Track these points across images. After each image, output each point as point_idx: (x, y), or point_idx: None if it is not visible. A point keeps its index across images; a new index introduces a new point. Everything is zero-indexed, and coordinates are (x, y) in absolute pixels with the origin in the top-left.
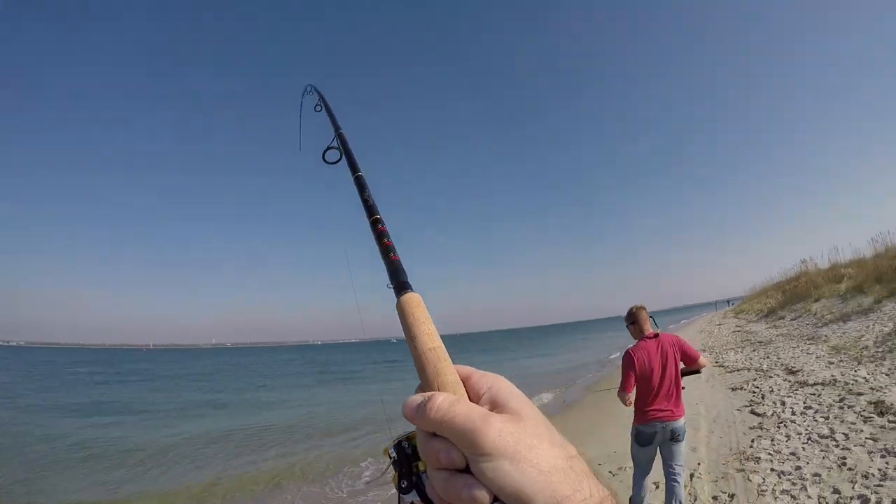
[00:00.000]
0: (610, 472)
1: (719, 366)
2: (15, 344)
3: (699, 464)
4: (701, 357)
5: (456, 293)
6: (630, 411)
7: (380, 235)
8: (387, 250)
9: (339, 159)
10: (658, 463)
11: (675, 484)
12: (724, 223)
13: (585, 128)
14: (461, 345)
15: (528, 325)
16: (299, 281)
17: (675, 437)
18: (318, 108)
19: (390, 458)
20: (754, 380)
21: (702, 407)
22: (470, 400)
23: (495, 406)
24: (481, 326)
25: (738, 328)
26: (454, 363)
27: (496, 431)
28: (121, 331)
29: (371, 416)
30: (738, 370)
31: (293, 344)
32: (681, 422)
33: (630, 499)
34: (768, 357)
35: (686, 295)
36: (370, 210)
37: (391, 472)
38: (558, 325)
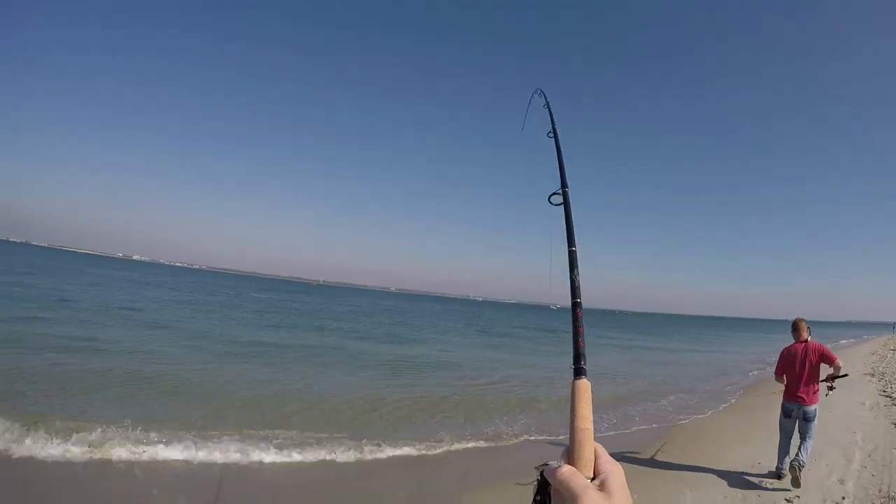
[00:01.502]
0: (748, 478)
1: (886, 396)
2: (197, 267)
3: (843, 498)
4: (837, 360)
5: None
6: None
7: (575, 319)
8: (577, 335)
9: (560, 204)
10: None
11: (806, 442)
12: None
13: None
14: (616, 321)
15: (703, 315)
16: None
17: (806, 418)
18: (550, 135)
19: (536, 477)
20: None
21: (859, 436)
22: (595, 472)
23: (602, 486)
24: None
25: None
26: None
27: (589, 500)
28: (291, 264)
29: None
30: None
31: (454, 296)
32: (812, 407)
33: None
34: None
35: (862, 310)
36: (574, 291)
37: (534, 482)
38: (735, 318)
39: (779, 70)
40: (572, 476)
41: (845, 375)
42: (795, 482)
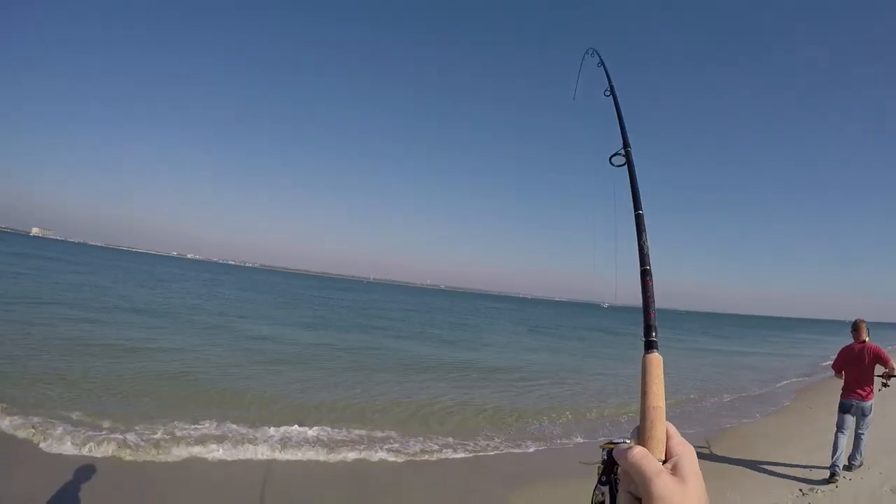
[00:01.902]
0: (800, 489)
1: None
2: (251, 265)
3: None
4: (891, 361)
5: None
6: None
7: (645, 288)
8: (647, 307)
9: (623, 164)
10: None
11: (861, 437)
12: None
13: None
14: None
15: (759, 314)
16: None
17: (863, 413)
18: (607, 93)
19: (602, 456)
20: None
21: None
22: (666, 455)
23: (675, 470)
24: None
25: None
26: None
27: (662, 484)
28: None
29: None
30: None
31: (497, 293)
32: (868, 403)
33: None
34: None
35: None
36: (643, 258)
37: (599, 463)
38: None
39: None
40: (644, 458)
41: (893, 375)
42: (837, 475)
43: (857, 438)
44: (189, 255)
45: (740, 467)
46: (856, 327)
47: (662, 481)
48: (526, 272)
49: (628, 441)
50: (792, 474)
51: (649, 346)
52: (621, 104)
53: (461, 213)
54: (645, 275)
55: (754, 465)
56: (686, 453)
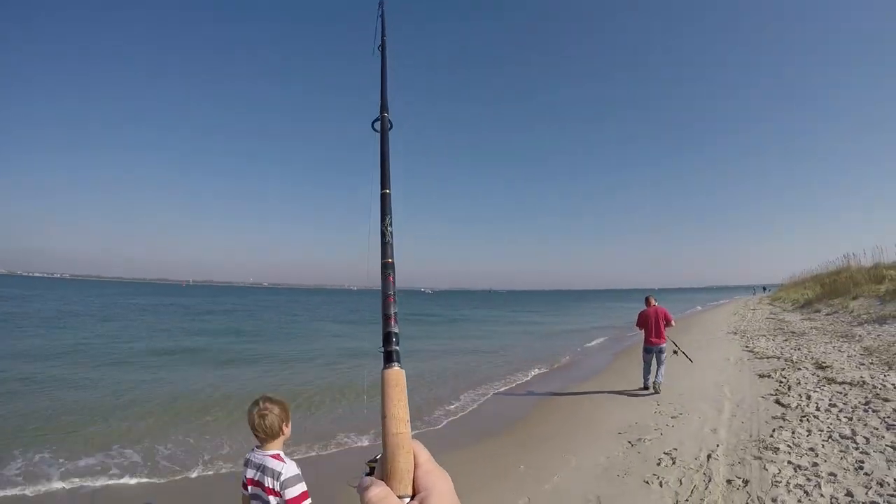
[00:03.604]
0: (629, 441)
1: (749, 350)
2: (60, 276)
3: (718, 446)
4: (672, 319)
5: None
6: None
7: (385, 285)
8: (387, 315)
9: (380, 133)
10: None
11: (661, 366)
12: (779, 205)
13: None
14: (471, 300)
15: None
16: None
17: (660, 351)
18: (379, 48)
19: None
20: (783, 370)
21: (727, 389)
22: (413, 488)
23: None
24: (487, 285)
25: (772, 315)
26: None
27: None
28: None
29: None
30: (767, 358)
31: (313, 287)
32: (663, 345)
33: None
34: (799, 349)
35: (726, 276)
36: (385, 248)
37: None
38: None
39: None
40: (383, 500)
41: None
42: (656, 389)
43: (659, 366)
44: None
45: (568, 432)
46: (647, 301)
47: None
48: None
49: (371, 474)
50: (618, 429)
51: (388, 357)
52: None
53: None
54: (386, 269)
55: (581, 427)
56: (436, 486)
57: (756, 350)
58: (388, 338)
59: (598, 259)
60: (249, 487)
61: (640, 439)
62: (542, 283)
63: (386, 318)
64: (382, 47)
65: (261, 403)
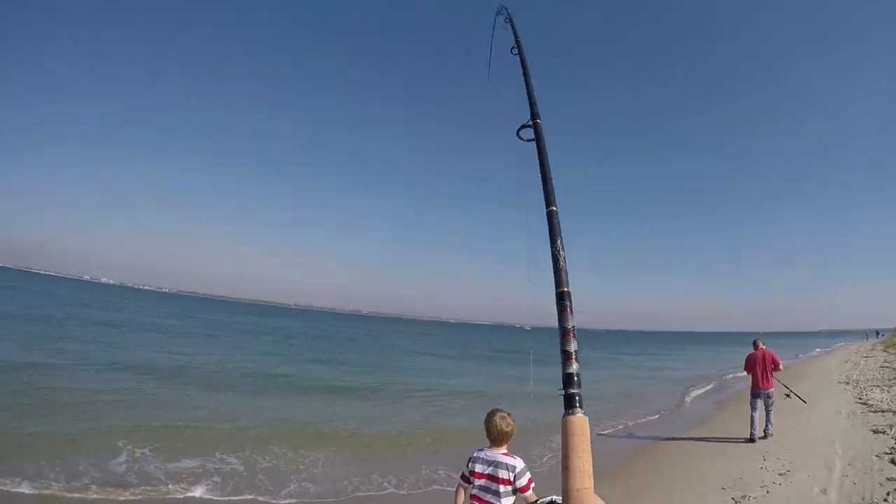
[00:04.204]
0: (733, 499)
1: (862, 403)
2: (167, 290)
3: None
4: (780, 363)
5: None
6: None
7: (563, 320)
8: (567, 352)
9: (532, 140)
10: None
11: (769, 412)
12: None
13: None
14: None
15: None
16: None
17: (768, 397)
18: (514, 51)
19: None
20: None
21: (838, 445)
22: None
23: None
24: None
25: (886, 364)
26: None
27: None
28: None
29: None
30: (882, 411)
31: (426, 319)
32: (770, 390)
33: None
34: None
35: (831, 318)
36: (558, 275)
37: None
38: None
39: None
40: None
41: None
42: (766, 436)
43: (767, 414)
44: (103, 280)
45: (669, 481)
46: (755, 344)
47: None
48: (440, 294)
49: None
50: (722, 484)
51: (570, 402)
52: (534, 70)
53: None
54: (562, 299)
55: (682, 476)
56: None
57: (870, 402)
58: (569, 379)
59: (699, 299)
60: (476, 480)
61: (744, 496)
62: (639, 323)
63: (566, 356)
64: (519, 49)
65: (501, 412)
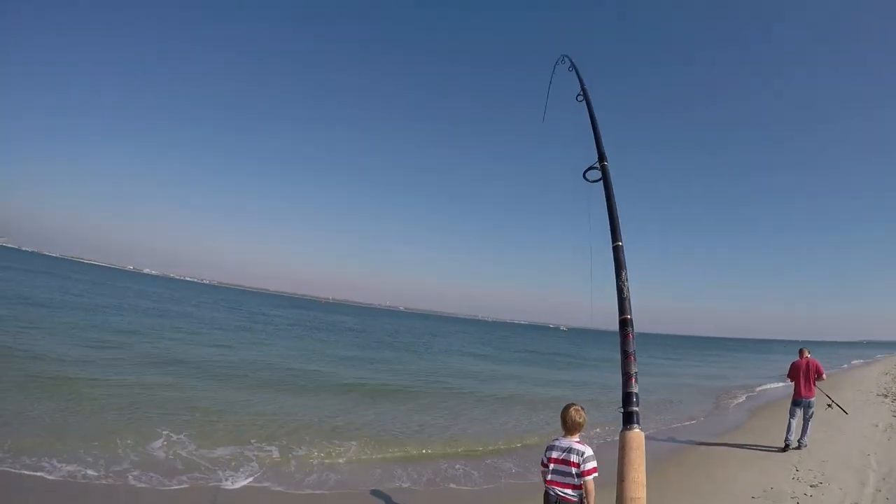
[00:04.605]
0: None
1: None
2: (207, 282)
3: None
4: (823, 373)
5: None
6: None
7: (625, 344)
8: (628, 374)
9: (599, 180)
10: None
11: (808, 422)
12: None
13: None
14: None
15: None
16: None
17: (809, 406)
18: (580, 98)
19: None
20: None
21: (873, 459)
22: None
23: None
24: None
25: None
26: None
27: None
28: (295, 281)
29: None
30: None
31: (462, 316)
32: (812, 399)
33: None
34: None
35: (871, 329)
36: (622, 305)
37: None
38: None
39: None
40: None
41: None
42: (800, 447)
43: (806, 423)
44: (146, 270)
45: (701, 488)
46: (800, 352)
47: None
48: (478, 293)
49: None
50: (753, 493)
51: (629, 418)
52: (598, 114)
53: (416, 233)
54: (625, 327)
55: (715, 484)
56: None
57: None
58: (628, 398)
59: (742, 305)
60: (552, 465)
61: None
62: (677, 328)
63: (626, 377)
64: (585, 96)
65: (575, 406)
